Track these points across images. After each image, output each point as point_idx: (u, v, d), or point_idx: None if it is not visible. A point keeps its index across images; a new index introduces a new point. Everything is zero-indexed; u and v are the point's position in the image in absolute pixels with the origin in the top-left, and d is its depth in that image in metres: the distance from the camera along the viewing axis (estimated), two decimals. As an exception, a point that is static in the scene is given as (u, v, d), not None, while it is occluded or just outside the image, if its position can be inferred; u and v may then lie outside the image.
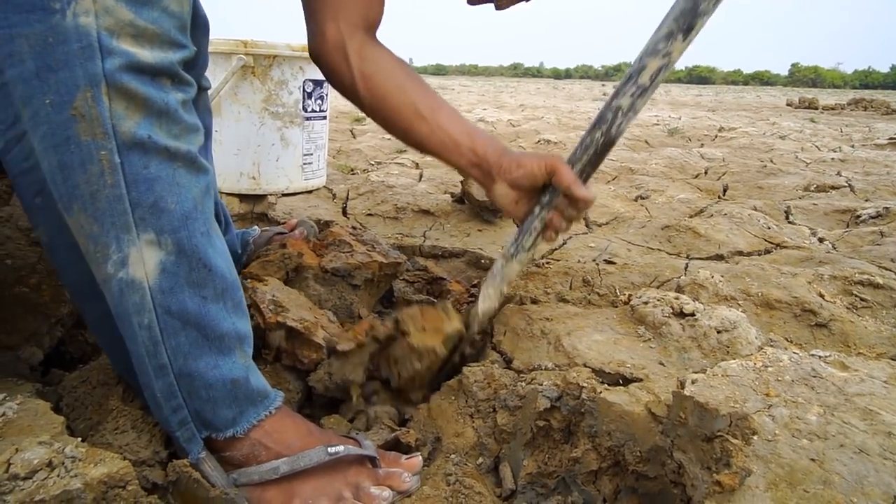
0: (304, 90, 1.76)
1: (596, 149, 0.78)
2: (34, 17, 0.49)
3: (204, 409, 0.64)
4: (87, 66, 0.51)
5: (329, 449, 0.68)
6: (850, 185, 2.30)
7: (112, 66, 0.51)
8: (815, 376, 0.72)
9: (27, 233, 0.85)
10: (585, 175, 0.81)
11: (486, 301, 0.89)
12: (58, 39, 0.50)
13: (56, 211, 0.57)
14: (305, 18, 0.87)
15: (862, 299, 1.05)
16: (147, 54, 0.54)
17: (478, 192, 1.64)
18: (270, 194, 1.81)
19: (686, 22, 0.70)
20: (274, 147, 1.77)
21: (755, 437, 0.61)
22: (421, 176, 2.25)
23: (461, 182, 1.73)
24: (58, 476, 0.50)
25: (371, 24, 0.86)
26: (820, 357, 0.78)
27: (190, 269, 0.60)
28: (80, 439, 0.56)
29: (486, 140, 0.83)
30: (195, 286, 0.61)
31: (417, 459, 0.74)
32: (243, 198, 1.79)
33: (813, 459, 0.59)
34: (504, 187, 0.83)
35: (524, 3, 0.91)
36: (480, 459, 0.77)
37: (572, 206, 0.81)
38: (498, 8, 0.89)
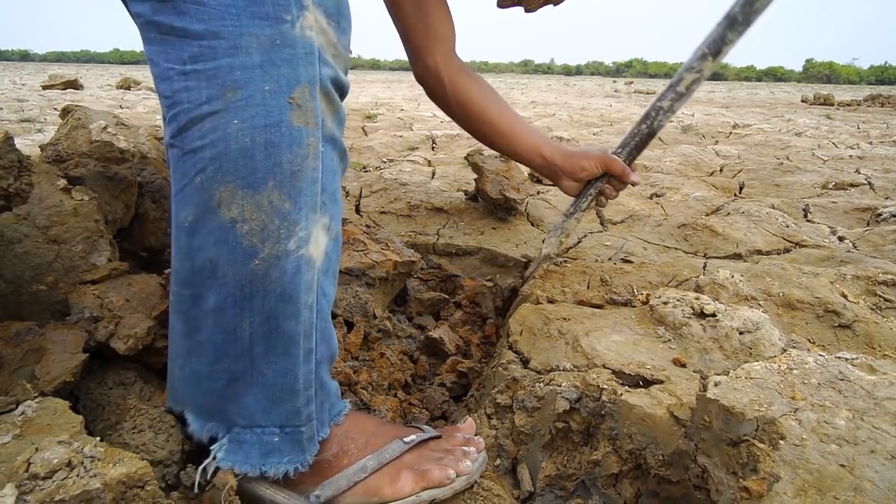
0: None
1: (641, 138, 1.04)
2: (266, 23, 0.57)
3: (328, 398, 0.67)
4: (309, 69, 0.59)
5: (405, 438, 0.71)
6: (869, 183, 2.26)
7: (325, 74, 0.61)
8: (842, 379, 0.71)
9: (44, 230, 0.85)
10: (631, 158, 1.06)
11: (548, 247, 1.14)
12: (285, 43, 0.58)
13: (210, 192, 0.58)
14: (406, 49, 1.10)
15: (886, 300, 1.02)
16: (340, 73, 0.64)
17: (492, 189, 1.63)
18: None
19: (715, 48, 0.92)
20: (287, 144, 1.77)
21: (782, 442, 0.59)
22: (434, 173, 2.24)
23: (475, 180, 1.72)
24: (77, 476, 0.50)
25: (454, 47, 1.10)
26: (846, 359, 0.76)
27: (336, 258, 0.68)
28: (98, 439, 0.56)
29: (552, 147, 1.10)
30: (332, 275, 0.68)
31: (469, 422, 0.78)
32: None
33: (843, 465, 0.57)
34: (569, 181, 1.10)
35: (552, 6, 1.06)
36: (498, 461, 0.76)
37: (621, 184, 1.09)
38: (527, 11, 1.05)
